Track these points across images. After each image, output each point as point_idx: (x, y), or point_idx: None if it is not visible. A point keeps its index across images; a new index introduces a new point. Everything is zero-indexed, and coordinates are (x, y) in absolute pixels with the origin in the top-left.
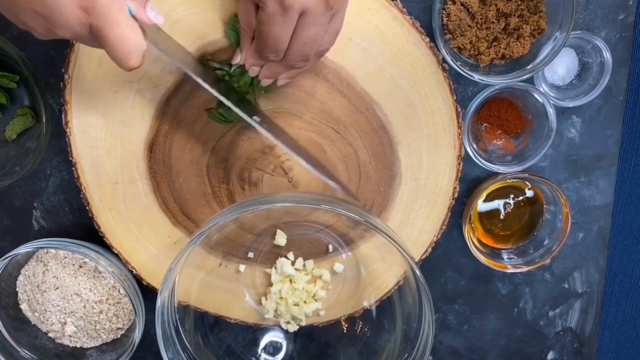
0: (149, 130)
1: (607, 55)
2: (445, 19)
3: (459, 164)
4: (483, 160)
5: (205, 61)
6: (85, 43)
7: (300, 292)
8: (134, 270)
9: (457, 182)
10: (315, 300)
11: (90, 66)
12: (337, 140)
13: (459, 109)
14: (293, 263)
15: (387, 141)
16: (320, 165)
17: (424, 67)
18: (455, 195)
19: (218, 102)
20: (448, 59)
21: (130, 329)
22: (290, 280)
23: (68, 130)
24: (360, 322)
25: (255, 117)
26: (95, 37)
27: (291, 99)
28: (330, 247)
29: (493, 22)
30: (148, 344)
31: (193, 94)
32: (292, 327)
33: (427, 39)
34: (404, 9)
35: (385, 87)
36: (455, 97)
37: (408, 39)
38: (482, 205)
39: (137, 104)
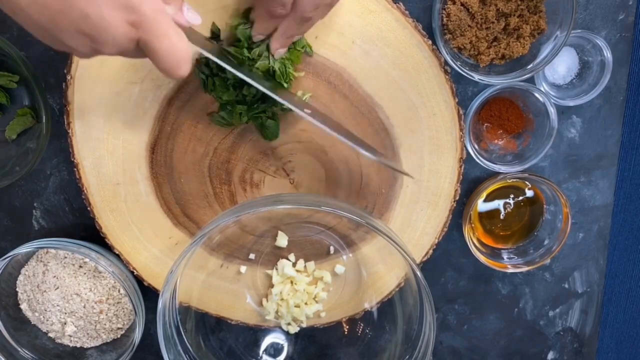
0: (151, 131)
1: (607, 54)
2: (445, 19)
3: (460, 167)
4: (484, 160)
5: (225, 51)
6: (130, 57)
7: (301, 294)
8: (135, 271)
9: (458, 184)
10: (316, 301)
11: (93, 67)
12: (339, 142)
13: (461, 112)
14: (294, 264)
15: (389, 143)
16: (357, 139)
17: (426, 70)
18: (457, 198)
19: (220, 105)
20: (448, 59)
21: (130, 329)
22: (291, 282)
23: (70, 131)
24: (361, 324)
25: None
26: (144, 51)
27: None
28: (332, 249)
29: (493, 22)
30: (148, 344)
31: (195, 96)
32: (293, 329)
33: (430, 42)
34: (406, 12)
35: (387, 89)
36: (456, 100)
37: (410, 42)
38: (482, 205)
39: (140, 105)
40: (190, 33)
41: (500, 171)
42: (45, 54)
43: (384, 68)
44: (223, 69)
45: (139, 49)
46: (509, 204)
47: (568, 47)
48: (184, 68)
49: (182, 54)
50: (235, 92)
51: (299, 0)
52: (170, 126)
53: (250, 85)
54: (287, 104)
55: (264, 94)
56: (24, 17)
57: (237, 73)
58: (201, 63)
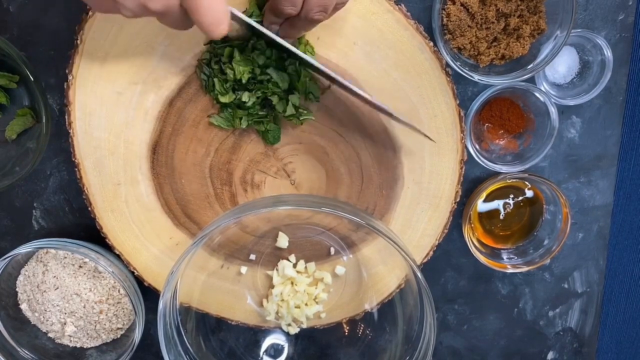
0: (152, 131)
1: (607, 53)
2: (445, 20)
3: (461, 168)
4: (485, 161)
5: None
6: (170, 18)
7: (302, 295)
8: (135, 271)
9: (459, 186)
10: (317, 302)
11: (94, 67)
12: (340, 143)
13: (462, 113)
14: (295, 265)
15: (390, 144)
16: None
17: (427, 71)
18: (457, 199)
19: (219, 107)
20: (448, 59)
21: (130, 329)
22: (292, 283)
23: (71, 130)
24: (362, 325)
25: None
26: (187, 7)
27: None
28: (332, 250)
29: (493, 23)
30: (148, 344)
31: (196, 97)
32: (293, 330)
33: (431, 43)
34: (408, 13)
35: (389, 90)
36: (457, 102)
37: (412, 43)
38: (482, 206)
39: (141, 105)
40: None
41: (502, 171)
42: (45, 54)
43: (385, 69)
44: (223, 71)
45: (182, 10)
46: (509, 204)
47: (568, 47)
48: (223, 26)
49: (222, 11)
50: (234, 94)
51: (307, 2)
52: (171, 127)
53: (251, 90)
54: (320, 67)
55: (264, 99)
56: None
57: (271, 35)
58: (203, 63)
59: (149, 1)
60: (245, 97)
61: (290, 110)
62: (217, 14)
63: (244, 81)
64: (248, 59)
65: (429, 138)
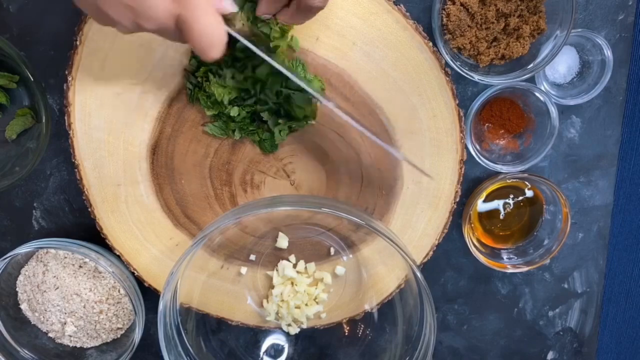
0: (152, 132)
1: (608, 53)
2: (445, 19)
3: (460, 168)
4: (486, 161)
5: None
6: (166, 36)
7: (302, 295)
8: (135, 271)
9: (459, 185)
10: (317, 302)
11: (94, 68)
12: (340, 144)
13: (461, 113)
14: (295, 266)
15: (390, 145)
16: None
17: (426, 71)
18: (457, 199)
19: (213, 116)
20: (447, 59)
21: (130, 329)
22: (292, 283)
23: (71, 132)
24: (362, 325)
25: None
26: (181, 29)
27: None
28: (332, 250)
29: (493, 23)
30: (148, 344)
31: None
32: (294, 330)
33: (430, 43)
34: (407, 13)
35: (388, 91)
36: (457, 102)
37: (411, 43)
38: (481, 206)
39: (141, 106)
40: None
41: (502, 171)
42: (45, 54)
43: (384, 70)
44: (207, 80)
45: (177, 30)
46: (509, 204)
47: (568, 46)
48: (217, 49)
49: (217, 35)
50: (221, 106)
51: None
52: (171, 127)
53: (239, 105)
54: (316, 95)
55: (253, 113)
56: None
57: (268, 59)
58: (189, 73)
59: (144, 21)
60: (233, 112)
61: (280, 139)
62: (209, 38)
63: (225, 102)
64: (226, 83)
65: (427, 175)
